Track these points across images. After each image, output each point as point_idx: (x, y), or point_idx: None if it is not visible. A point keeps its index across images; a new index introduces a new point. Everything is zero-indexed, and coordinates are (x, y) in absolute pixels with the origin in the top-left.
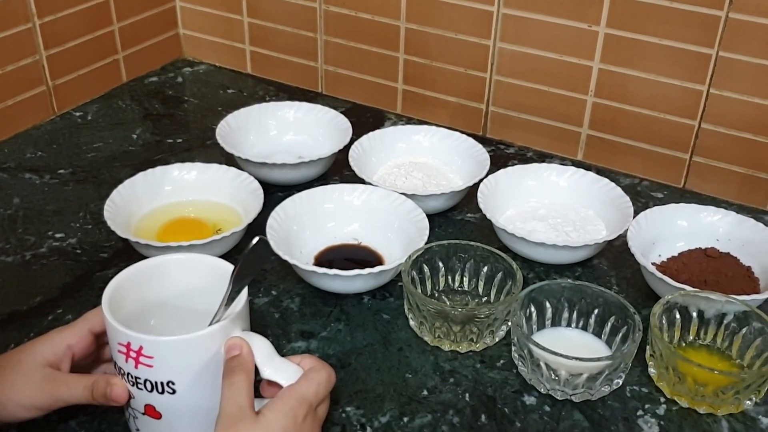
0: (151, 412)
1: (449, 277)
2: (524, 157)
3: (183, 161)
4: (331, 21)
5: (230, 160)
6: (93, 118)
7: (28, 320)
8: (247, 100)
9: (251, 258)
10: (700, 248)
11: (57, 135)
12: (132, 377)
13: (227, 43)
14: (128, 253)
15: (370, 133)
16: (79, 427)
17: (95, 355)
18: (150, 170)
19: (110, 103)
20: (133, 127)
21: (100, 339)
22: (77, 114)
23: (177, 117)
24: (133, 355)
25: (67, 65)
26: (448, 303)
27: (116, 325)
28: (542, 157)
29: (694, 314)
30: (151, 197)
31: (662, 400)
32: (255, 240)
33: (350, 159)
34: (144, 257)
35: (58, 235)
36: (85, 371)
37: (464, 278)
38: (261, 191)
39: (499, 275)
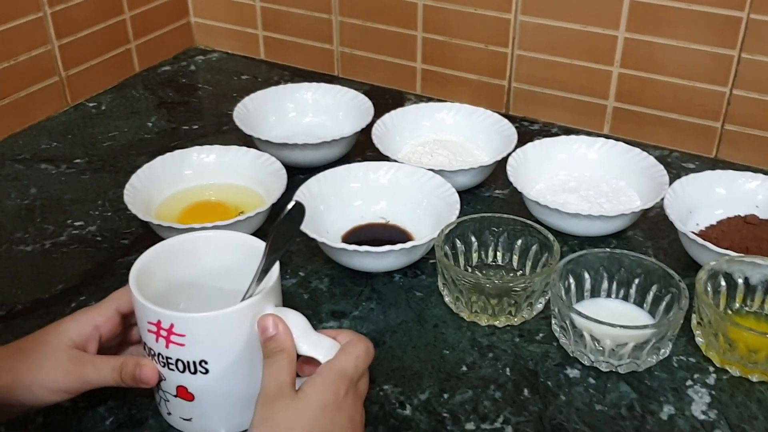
0: (184, 393)
1: (482, 252)
2: (549, 133)
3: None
4: (345, 1)
5: (248, 143)
6: (107, 108)
7: (51, 308)
8: (262, 86)
9: (286, 224)
10: (739, 215)
11: (71, 125)
12: (163, 357)
13: (240, 29)
14: (150, 238)
15: (393, 112)
16: (108, 413)
17: (122, 337)
18: (168, 154)
19: (124, 92)
20: (148, 116)
21: (128, 320)
22: (91, 104)
23: (191, 104)
24: (163, 333)
25: (79, 55)
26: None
27: (146, 303)
28: (568, 133)
29: (740, 281)
30: (171, 181)
31: (712, 369)
32: (291, 204)
33: (373, 137)
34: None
35: (77, 224)
36: (111, 354)
37: (498, 252)
38: (284, 171)
39: (534, 248)
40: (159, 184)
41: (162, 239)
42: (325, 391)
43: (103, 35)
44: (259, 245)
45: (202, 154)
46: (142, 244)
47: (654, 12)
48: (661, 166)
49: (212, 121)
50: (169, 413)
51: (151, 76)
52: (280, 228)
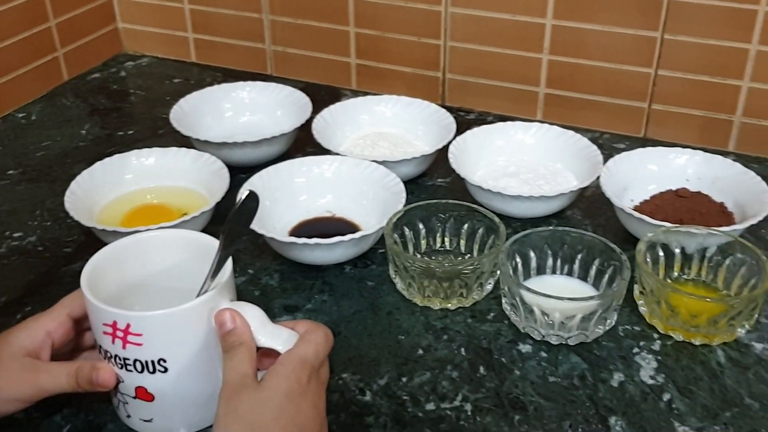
0: (143, 394)
1: (430, 238)
2: (485, 122)
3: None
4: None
5: (187, 145)
6: (37, 117)
7: None
8: (195, 88)
9: (241, 215)
10: (671, 189)
11: (1, 137)
12: (120, 359)
13: (169, 32)
14: (93, 245)
15: (331, 106)
16: (64, 421)
17: (75, 343)
18: (108, 159)
19: (53, 101)
20: (81, 124)
21: (80, 325)
22: (20, 115)
23: (125, 110)
24: (120, 334)
25: (4, 65)
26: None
27: (100, 304)
28: (503, 121)
29: (677, 250)
30: (112, 186)
31: (656, 336)
32: (245, 193)
33: (314, 132)
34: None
35: (16, 235)
36: (63, 359)
37: (445, 238)
38: (225, 170)
39: (480, 231)
40: (99, 190)
41: (106, 245)
42: (288, 379)
43: (29, 44)
44: (209, 241)
45: (142, 158)
46: (86, 251)
47: None
48: (595, 147)
49: (147, 126)
50: (129, 416)
51: (81, 84)
52: (234, 219)
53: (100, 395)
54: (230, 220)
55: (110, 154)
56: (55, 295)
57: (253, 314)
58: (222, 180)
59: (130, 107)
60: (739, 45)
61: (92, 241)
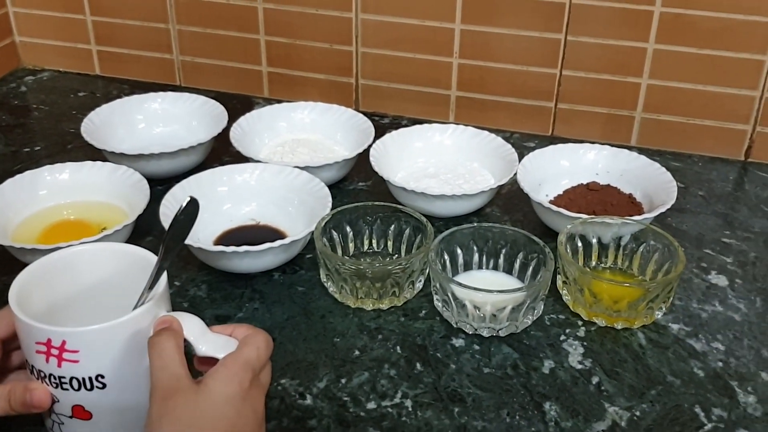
0: (80, 413)
1: (358, 241)
2: (399, 125)
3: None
4: (182, 9)
5: (100, 160)
6: None
7: None
8: (101, 101)
9: (182, 222)
10: (582, 184)
11: None
12: (55, 378)
13: (70, 45)
14: (9, 264)
15: (248, 114)
16: None
17: (1, 364)
18: (18, 176)
19: None
20: None
21: (6, 345)
22: None
23: (29, 126)
24: (54, 352)
25: None
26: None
27: (32, 322)
28: (417, 124)
29: (594, 240)
30: (25, 203)
31: (580, 323)
32: (186, 200)
33: (232, 140)
34: (23, 266)
35: None
36: None
37: (373, 240)
38: (145, 182)
39: (407, 231)
40: (11, 207)
41: (24, 264)
42: (229, 382)
43: None
44: (139, 252)
45: (55, 173)
46: (1, 270)
47: (486, 3)
48: (510, 146)
49: (55, 141)
50: None
51: None
52: (175, 226)
53: (32, 417)
54: (171, 228)
55: (19, 171)
56: None
57: (191, 323)
58: (142, 192)
59: (35, 123)
60: (637, 44)
61: (8, 259)
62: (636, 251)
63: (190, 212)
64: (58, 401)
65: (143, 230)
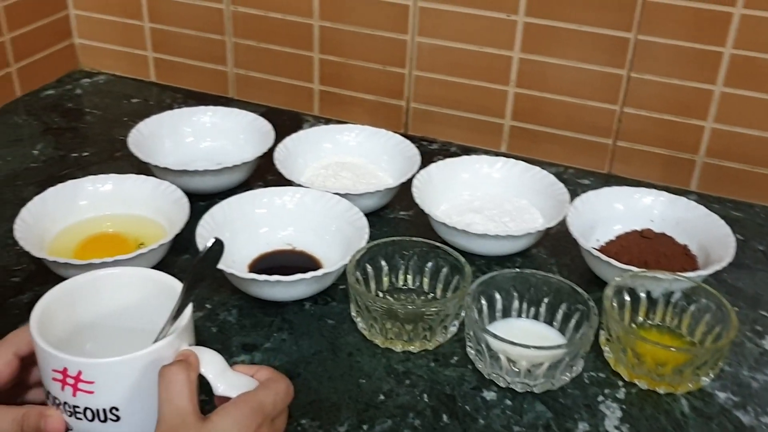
0: None
1: (393, 276)
2: (448, 152)
3: (93, 174)
4: (239, 22)
5: (144, 170)
6: None
7: None
8: (154, 109)
9: (206, 262)
10: (636, 230)
11: None
12: (70, 407)
13: (128, 50)
14: (43, 275)
15: (294, 135)
16: None
17: (19, 379)
18: (61, 185)
19: (4, 119)
20: (33, 143)
21: (26, 361)
22: None
23: (80, 130)
24: (70, 381)
25: None
26: (398, 302)
27: (50, 349)
28: (466, 151)
29: (643, 295)
30: (65, 213)
31: (621, 383)
32: (211, 241)
33: (276, 162)
34: (61, 278)
35: None
36: (5, 396)
37: (408, 276)
38: (186, 199)
39: (445, 270)
40: (52, 217)
41: (57, 275)
42: (237, 423)
43: None
44: (166, 280)
45: (98, 184)
46: (35, 281)
47: (546, 33)
48: (561, 185)
49: (104, 148)
50: None
51: (34, 101)
52: (199, 266)
53: None
54: (194, 267)
55: (64, 177)
56: (1, 328)
57: (211, 359)
58: (182, 209)
59: (86, 127)
60: (703, 86)
61: (42, 270)
62: (686, 309)
63: (214, 253)
64: (72, 429)
65: (181, 247)
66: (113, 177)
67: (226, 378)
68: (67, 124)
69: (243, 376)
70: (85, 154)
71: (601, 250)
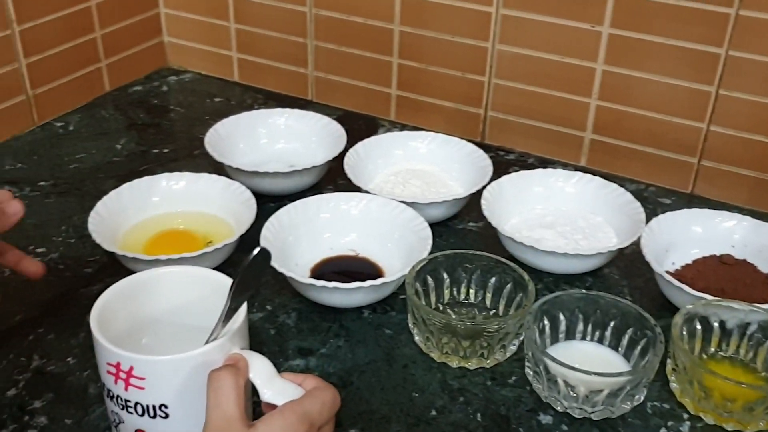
0: None
1: (454, 289)
2: (525, 163)
3: (170, 171)
4: (321, 25)
5: (219, 169)
6: (75, 128)
7: (7, 341)
8: (235, 109)
9: (251, 270)
10: (715, 255)
11: (37, 146)
12: (121, 400)
13: (214, 50)
14: (114, 267)
15: (366, 140)
16: None
17: None
18: (137, 180)
19: (93, 113)
20: (117, 138)
21: None
22: (58, 124)
23: (163, 127)
24: (122, 376)
25: (48, 74)
26: (454, 317)
27: (105, 343)
28: (544, 163)
29: (716, 324)
30: (138, 209)
31: (686, 416)
32: (256, 250)
33: (345, 167)
34: (131, 272)
35: (39, 250)
36: None
37: (470, 290)
38: (254, 201)
39: (508, 286)
40: (126, 211)
41: (127, 269)
42: (281, 431)
43: (73, 53)
44: (223, 280)
45: (172, 181)
46: (107, 272)
47: (632, 45)
48: (638, 203)
49: (184, 145)
50: None
51: (122, 96)
52: (244, 274)
53: (105, 427)
54: (240, 274)
55: (143, 172)
56: (69, 317)
57: (260, 366)
58: (250, 211)
59: (169, 124)
60: None
61: (114, 263)
62: (763, 343)
63: (260, 261)
64: (123, 422)
65: (247, 246)
66: (187, 175)
67: (274, 385)
68: (151, 120)
69: (290, 384)
70: (166, 150)
71: (676, 274)
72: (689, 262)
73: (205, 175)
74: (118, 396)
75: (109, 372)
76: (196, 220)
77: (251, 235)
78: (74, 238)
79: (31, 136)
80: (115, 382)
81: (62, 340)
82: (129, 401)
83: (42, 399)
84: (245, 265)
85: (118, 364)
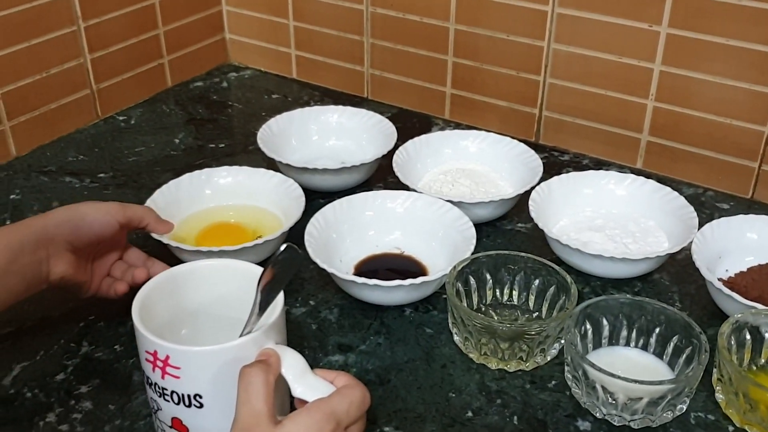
0: (178, 425)
1: (497, 290)
2: (580, 164)
3: (225, 166)
4: (377, 24)
5: (272, 165)
6: (136, 122)
7: (58, 326)
8: (292, 105)
9: (281, 266)
10: None
11: (99, 139)
12: (159, 388)
13: (273, 47)
14: (166, 256)
15: (416, 138)
16: None
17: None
18: (196, 172)
19: (154, 107)
20: (176, 132)
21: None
22: (120, 118)
23: (220, 122)
24: (159, 364)
25: (111, 69)
26: (495, 318)
27: (144, 331)
28: (599, 165)
29: (767, 335)
30: (192, 201)
31: (731, 429)
32: (282, 247)
33: (394, 165)
34: (180, 261)
35: None
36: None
37: (513, 291)
38: (303, 198)
39: (552, 289)
40: (179, 203)
41: (178, 259)
42: (307, 429)
43: (136, 49)
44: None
45: (230, 175)
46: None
47: (691, 46)
48: (692, 208)
49: (239, 140)
50: None
51: (183, 92)
52: (272, 270)
53: (143, 419)
54: (268, 270)
55: (198, 166)
56: (120, 306)
57: (293, 361)
58: (299, 207)
59: (226, 120)
60: None
61: (166, 252)
62: None
63: (287, 260)
64: (161, 410)
65: (294, 241)
66: (245, 169)
67: (306, 380)
68: (210, 115)
69: (322, 381)
70: (222, 145)
71: (729, 281)
72: (743, 269)
73: (261, 170)
74: (155, 384)
75: (147, 360)
76: (248, 214)
77: (296, 231)
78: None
79: (94, 129)
80: (153, 370)
81: (111, 328)
82: (166, 389)
83: (88, 384)
84: (272, 261)
85: (156, 352)
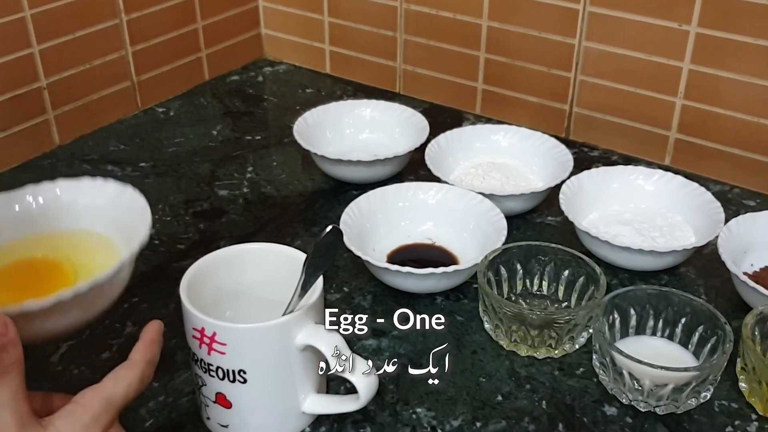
0: (222, 400)
1: (527, 281)
2: (609, 160)
3: (261, 158)
4: (411, 20)
5: (307, 157)
6: (175, 114)
7: None
8: (325, 100)
9: (324, 246)
10: None
11: (140, 129)
12: (204, 363)
13: (307, 42)
14: (205, 245)
15: (448, 132)
16: (148, 415)
17: None
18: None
19: (192, 100)
20: (214, 124)
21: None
22: (160, 110)
23: (256, 115)
24: (206, 341)
25: (151, 62)
26: (525, 306)
27: (192, 310)
28: (628, 161)
29: None
30: None
31: (754, 417)
32: (328, 228)
33: (426, 158)
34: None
35: None
36: None
37: (543, 282)
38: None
39: (581, 280)
40: None
41: (217, 246)
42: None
43: (176, 43)
44: (301, 258)
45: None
46: (198, 249)
47: (720, 45)
48: (718, 203)
49: (275, 133)
50: (208, 418)
51: (220, 85)
52: (317, 250)
53: (186, 394)
54: (312, 251)
55: (235, 157)
56: (162, 289)
57: (333, 339)
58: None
59: (262, 113)
60: None
61: (205, 240)
62: None
63: (332, 239)
64: (206, 385)
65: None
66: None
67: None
68: (246, 108)
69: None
70: (258, 137)
71: (755, 275)
72: None
73: (85, 180)
74: (201, 360)
75: (194, 336)
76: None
77: (332, 220)
78: (169, 216)
79: (135, 120)
80: (200, 347)
81: (154, 309)
82: (211, 365)
83: None
84: (318, 241)
85: (203, 329)
